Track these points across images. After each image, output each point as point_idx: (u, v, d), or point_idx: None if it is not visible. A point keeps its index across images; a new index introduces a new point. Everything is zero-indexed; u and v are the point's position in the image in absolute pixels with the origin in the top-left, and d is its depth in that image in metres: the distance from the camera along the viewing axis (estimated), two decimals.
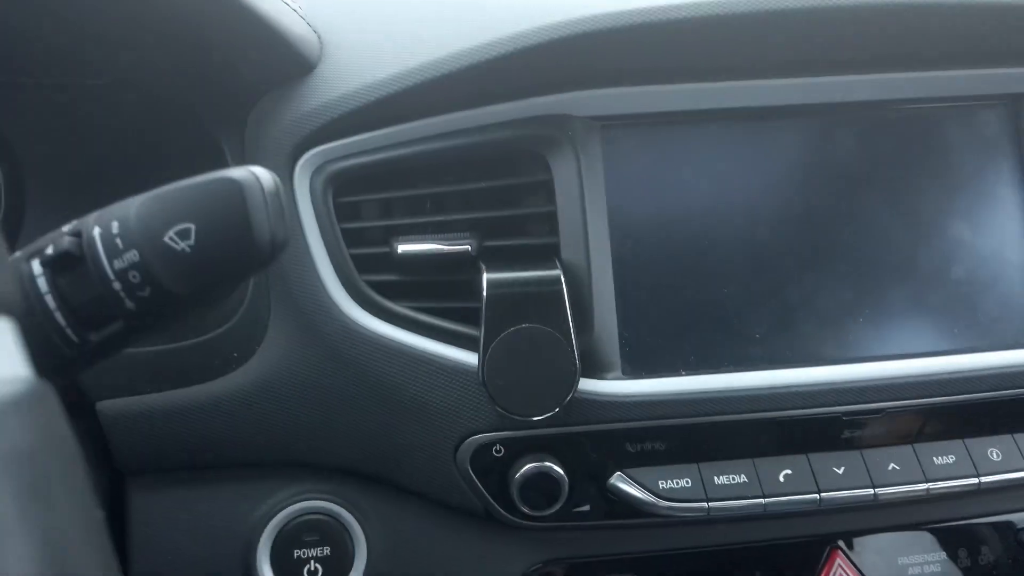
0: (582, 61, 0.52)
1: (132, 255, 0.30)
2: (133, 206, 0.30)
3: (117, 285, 0.30)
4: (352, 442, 0.53)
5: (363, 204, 0.53)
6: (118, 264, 0.30)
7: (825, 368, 0.53)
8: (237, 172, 0.30)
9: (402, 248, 0.52)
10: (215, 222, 0.29)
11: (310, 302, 0.52)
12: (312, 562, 0.54)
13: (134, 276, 0.30)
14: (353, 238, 0.53)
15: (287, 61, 0.51)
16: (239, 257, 0.30)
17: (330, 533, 0.55)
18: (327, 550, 0.54)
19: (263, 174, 0.30)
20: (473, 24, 0.53)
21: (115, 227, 0.30)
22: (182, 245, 0.29)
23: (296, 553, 0.54)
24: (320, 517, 0.55)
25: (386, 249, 0.52)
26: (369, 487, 0.55)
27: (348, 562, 0.55)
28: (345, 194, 0.53)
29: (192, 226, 0.29)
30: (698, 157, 0.55)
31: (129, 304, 0.30)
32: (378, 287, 0.52)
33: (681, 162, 0.55)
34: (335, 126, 0.52)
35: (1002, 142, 0.57)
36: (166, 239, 0.30)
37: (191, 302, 0.31)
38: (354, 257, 0.52)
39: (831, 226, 0.55)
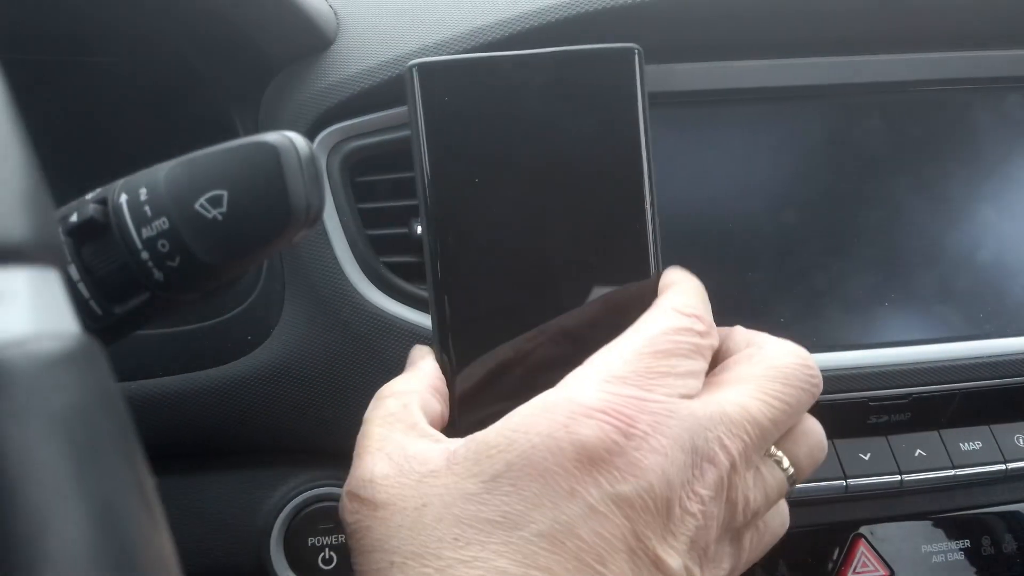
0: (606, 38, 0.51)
1: (161, 222, 0.28)
2: (162, 172, 0.29)
3: (145, 255, 0.29)
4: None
5: (381, 184, 0.52)
6: (146, 232, 0.28)
7: (851, 353, 0.52)
8: (272, 136, 0.28)
9: (421, 229, 0.50)
10: (249, 188, 0.28)
11: (326, 284, 0.51)
12: (327, 550, 0.53)
13: (163, 245, 0.28)
14: (371, 219, 0.51)
15: (305, 36, 0.50)
16: (273, 225, 0.29)
17: None
18: (342, 538, 0.53)
19: (299, 139, 0.29)
20: (491, 1, 0.52)
21: (143, 194, 0.29)
22: (214, 212, 0.28)
23: (311, 541, 0.53)
24: (335, 504, 0.54)
25: (405, 230, 0.51)
26: None
27: None
28: (362, 173, 0.52)
29: (224, 192, 0.28)
30: (720, 139, 0.54)
31: (157, 275, 0.29)
32: (396, 269, 0.51)
33: (703, 144, 0.54)
34: (353, 103, 0.50)
35: None
36: (197, 206, 0.28)
37: (222, 273, 0.29)
38: (372, 238, 0.51)
39: (857, 210, 0.54)
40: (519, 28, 0.49)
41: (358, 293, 0.50)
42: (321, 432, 0.52)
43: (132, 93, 0.55)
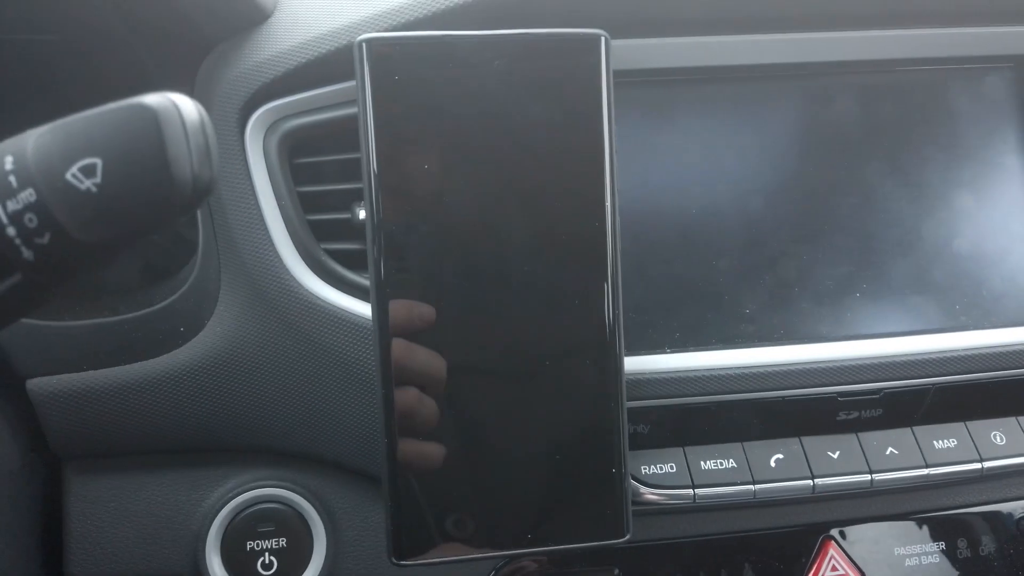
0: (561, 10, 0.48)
1: (28, 195, 0.25)
2: (31, 138, 0.26)
3: (12, 231, 0.25)
4: (309, 422, 0.49)
5: (322, 166, 0.49)
6: (12, 206, 0.25)
7: (820, 346, 0.50)
8: (151, 98, 0.25)
9: (364, 214, 0.47)
10: (126, 157, 0.25)
11: (264, 272, 0.48)
12: (267, 555, 0.50)
13: (30, 220, 0.25)
14: (311, 203, 0.48)
15: (241, 8, 0.47)
16: (154, 199, 0.25)
17: (286, 523, 0.51)
18: (283, 541, 0.50)
19: (184, 100, 0.26)
20: None
21: (8, 162, 0.25)
22: (87, 184, 0.25)
23: (249, 545, 0.50)
24: (275, 506, 0.51)
25: (347, 215, 0.48)
26: (328, 473, 0.51)
27: (306, 554, 0.51)
28: (302, 155, 0.48)
29: (98, 161, 0.25)
30: (685, 120, 0.51)
31: (27, 254, 0.26)
32: (338, 256, 0.48)
33: (666, 125, 0.51)
34: (290, 79, 0.47)
35: (1009, 108, 0.53)
36: (68, 176, 0.25)
37: (98, 253, 0.26)
38: (312, 224, 0.48)
39: (829, 196, 0.51)
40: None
41: (297, 281, 0.47)
42: (260, 429, 0.49)
43: (62, 75, 0.52)
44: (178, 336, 0.49)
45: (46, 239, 0.26)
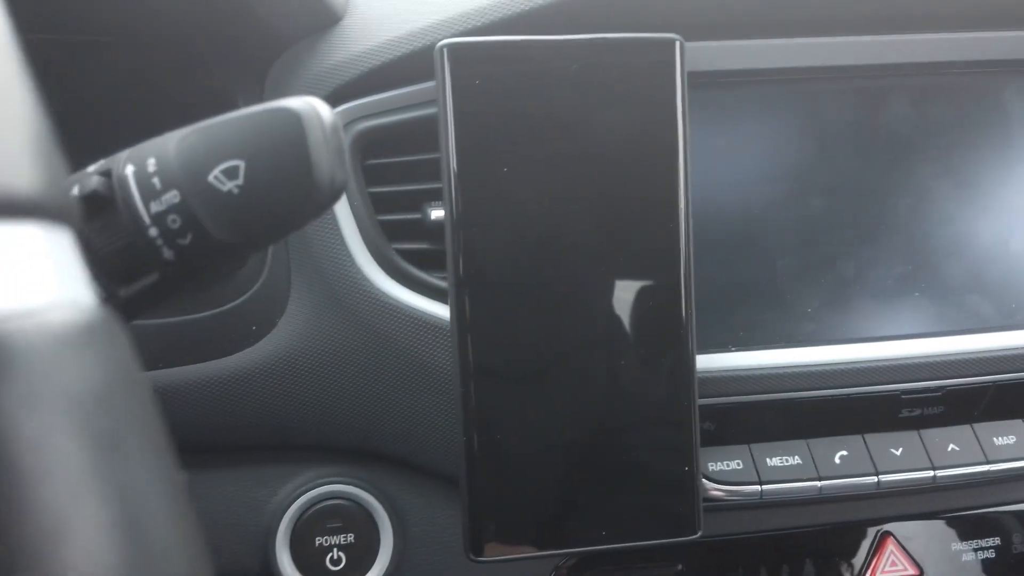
0: (629, 15, 0.48)
1: (172, 196, 0.26)
2: (172, 141, 0.26)
3: (154, 231, 0.26)
4: (378, 420, 0.50)
5: (393, 167, 0.49)
6: (155, 207, 0.26)
7: (881, 344, 0.50)
8: (294, 102, 0.26)
9: (435, 214, 0.48)
10: (268, 159, 0.26)
11: (336, 272, 0.48)
12: (335, 550, 0.51)
13: (173, 221, 0.26)
14: (382, 203, 0.49)
15: (314, 11, 0.48)
16: (294, 200, 0.26)
17: (354, 519, 0.51)
18: (351, 537, 0.51)
19: (323, 105, 0.26)
20: None
21: (151, 164, 0.26)
22: (229, 185, 0.26)
23: (318, 541, 0.51)
24: (342, 502, 0.51)
25: (418, 216, 0.49)
26: (396, 471, 0.52)
27: (373, 550, 0.51)
28: (373, 156, 0.49)
29: (241, 163, 0.26)
30: (745, 121, 0.52)
31: (167, 254, 0.26)
32: (409, 256, 0.49)
33: (727, 126, 0.52)
34: (364, 81, 0.48)
35: None
36: (211, 178, 0.26)
37: (236, 252, 0.27)
38: (383, 224, 0.49)
39: (885, 197, 0.52)
40: (541, 2, 0.46)
41: (369, 281, 0.48)
42: (329, 427, 0.50)
43: (131, 75, 0.52)
44: (250, 335, 0.49)
45: (188, 239, 0.26)
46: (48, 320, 0.12)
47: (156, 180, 0.26)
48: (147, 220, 0.26)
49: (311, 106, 0.26)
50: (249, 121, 0.26)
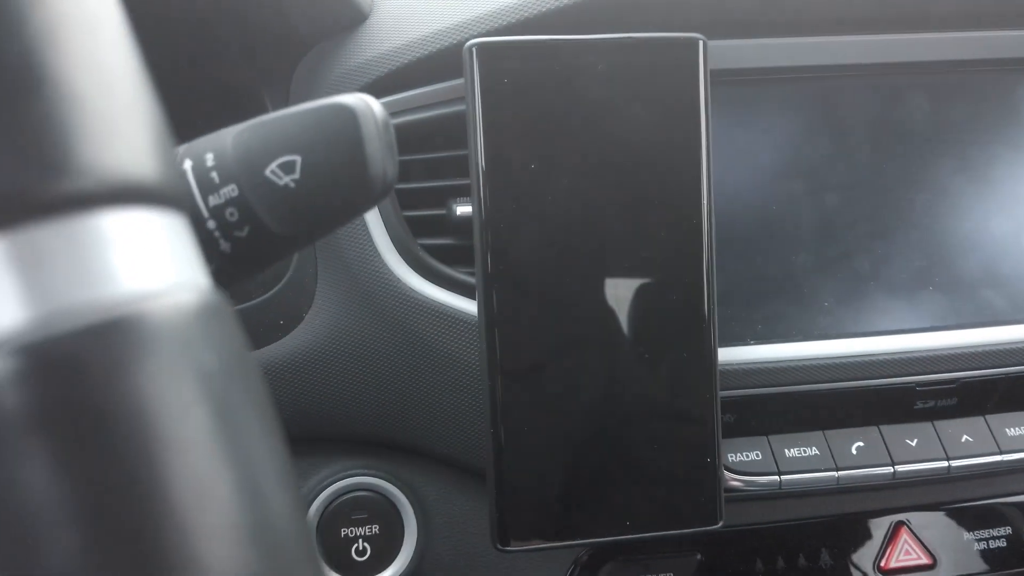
0: (649, 15, 0.49)
1: (230, 190, 0.27)
2: (229, 136, 0.27)
3: (212, 224, 0.27)
4: (404, 413, 0.51)
5: (418, 163, 0.50)
6: (213, 200, 0.27)
7: (896, 337, 0.51)
8: (348, 99, 0.27)
9: (461, 210, 0.49)
10: (324, 154, 0.27)
11: (362, 267, 0.49)
12: (360, 541, 0.52)
13: (231, 214, 0.27)
14: (407, 200, 0.50)
15: (339, 10, 0.48)
16: (349, 193, 0.27)
17: (379, 510, 0.52)
18: (376, 528, 0.52)
19: (375, 102, 0.27)
20: None
21: (210, 159, 0.27)
22: (286, 179, 0.27)
23: (344, 531, 0.52)
24: (368, 494, 0.52)
25: (443, 211, 0.49)
26: (421, 463, 0.52)
27: (398, 540, 0.52)
28: (399, 153, 0.50)
29: (298, 158, 0.27)
30: (763, 119, 0.53)
31: (224, 245, 0.27)
32: (435, 251, 0.50)
33: (746, 123, 0.53)
34: (389, 79, 0.49)
35: None
36: (268, 172, 0.27)
37: (291, 244, 0.28)
38: (409, 220, 0.50)
39: (902, 192, 0.53)
40: (564, 2, 0.47)
41: (395, 276, 0.49)
42: (355, 420, 0.51)
43: (157, 69, 0.53)
44: (278, 329, 0.50)
45: (245, 232, 0.27)
46: (178, 300, 0.13)
47: (215, 174, 0.27)
48: (206, 213, 0.27)
49: (365, 102, 0.27)
50: (305, 117, 0.27)
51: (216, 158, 0.27)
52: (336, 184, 0.27)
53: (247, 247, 0.27)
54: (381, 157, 0.27)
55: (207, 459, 0.12)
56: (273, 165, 0.27)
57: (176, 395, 0.12)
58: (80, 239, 0.13)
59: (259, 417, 0.14)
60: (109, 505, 0.11)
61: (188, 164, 0.27)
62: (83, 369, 0.11)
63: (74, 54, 0.14)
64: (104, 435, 0.11)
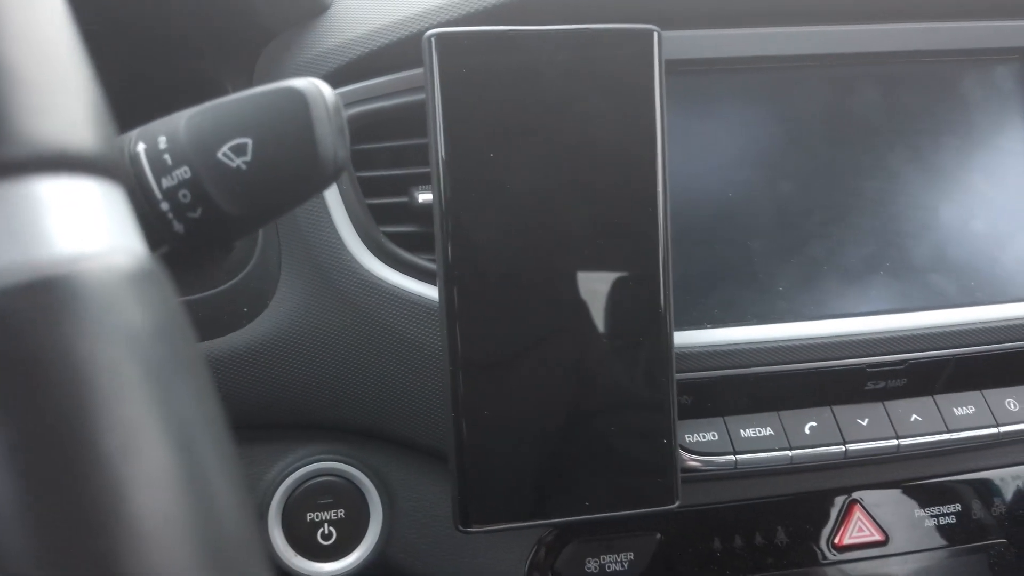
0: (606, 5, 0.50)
1: (182, 172, 0.27)
2: (182, 120, 0.28)
3: (165, 205, 0.27)
4: (367, 399, 0.51)
5: (381, 152, 0.51)
6: (166, 182, 0.27)
7: (848, 320, 0.53)
8: (299, 82, 0.27)
9: (423, 197, 0.50)
10: (275, 136, 0.27)
11: (326, 255, 0.50)
12: (326, 525, 0.52)
13: (184, 195, 0.27)
14: (370, 188, 0.50)
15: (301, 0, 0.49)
16: (299, 176, 0.28)
17: (344, 495, 0.53)
18: (341, 512, 0.53)
19: (325, 86, 0.28)
20: None
21: (163, 142, 0.27)
22: (237, 162, 0.27)
23: (309, 516, 0.52)
24: (333, 479, 0.53)
25: (405, 199, 0.50)
26: (385, 448, 0.53)
27: (363, 524, 0.53)
28: (361, 141, 0.50)
29: (249, 140, 0.27)
30: (719, 108, 0.54)
31: (177, 227, 0.28)
32: (397, 239, 0.50)
33: (702, 113, 0.54)
34: (351, 68, 0.49)
35: (1018, 98, 0.57)
36: (220, 155, 0.27)
37: (244, 226, 0.28)
38: (372, 207, 0.50)
39: (854, 180, 0.55)
40: None
41: (358, 263, 0.49)
42: (319, 406, 0.51)
43: (119, 58, 0.53)
44: (242, 316, 0.50)
45: (197, 213, 0.28)
46: (110, 263, 0.14)
47: (167, 157, 0.27)
48: (159, 195, 0.27)
49: (315, 86, 0.27)
50: (256, 100, 0.28)
51: (169, 141, 0.27)
52: (287, 166, 0.27)
53: (200, 228, 0.28)
54: (331, 140, 0.27)
55: (135, 413, 0.13)
56: (225, 147, 0.27)
57: (104, 352, 0.13)
58: (15, 203, 0.13)
59: (190, 378, 0.15)
60: (37, 453, 0.12)
61: (141, 147, 0.28)
62: (13, 324, 0.12)
63: (11, 28, 0.14)
64: (32, 387, 0.12)
